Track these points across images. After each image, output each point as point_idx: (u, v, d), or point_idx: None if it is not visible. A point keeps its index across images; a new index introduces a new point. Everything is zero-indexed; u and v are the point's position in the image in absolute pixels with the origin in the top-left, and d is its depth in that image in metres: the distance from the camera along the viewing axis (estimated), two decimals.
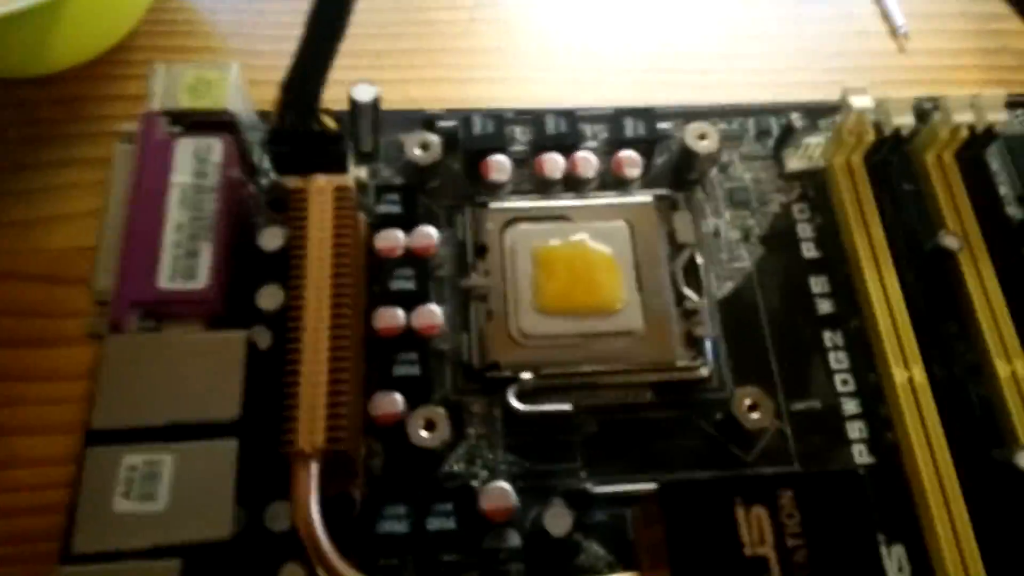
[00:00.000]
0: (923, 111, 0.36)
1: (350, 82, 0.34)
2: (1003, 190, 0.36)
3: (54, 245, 0.36)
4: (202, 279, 0.28)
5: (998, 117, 0.34)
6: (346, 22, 0.27)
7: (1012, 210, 0.35)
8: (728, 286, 0.34)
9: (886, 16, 0.44)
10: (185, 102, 0.30)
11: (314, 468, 0.26)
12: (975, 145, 0.35)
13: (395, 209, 0.33)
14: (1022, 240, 0.34)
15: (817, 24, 0.44)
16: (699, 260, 0.33)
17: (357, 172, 0.34)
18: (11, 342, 0.33)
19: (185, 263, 0.28)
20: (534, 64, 0.42)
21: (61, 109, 0.39)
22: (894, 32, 0.44)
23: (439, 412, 0.29)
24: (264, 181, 0.34)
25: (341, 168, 0.31)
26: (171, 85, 0.31)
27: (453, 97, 0.40)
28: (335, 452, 0.26)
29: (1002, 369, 0.31)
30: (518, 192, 0.35)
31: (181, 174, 0.29)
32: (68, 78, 0.39)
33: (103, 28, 0.38)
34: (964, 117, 0.34)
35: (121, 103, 0.39)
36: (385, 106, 0.35)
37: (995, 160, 0.37)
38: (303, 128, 0.29)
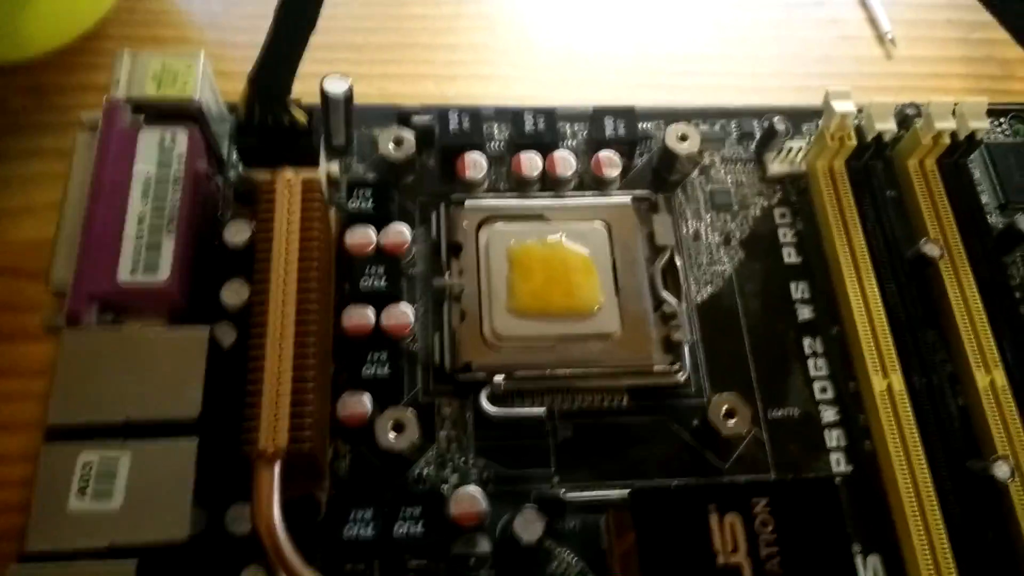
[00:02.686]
0: (906, 117, 0.36)
1: (326, 75, 0.33)
2: (985, 198, 0.36)
3: (19, 237, 0.35)
4: (164, 273, 0.27)
5: (980, 125, 0.34)
6: (316, 13, 0.26)
7: (993, 219, 0.35)
8: (707, 290, 0.33)
9: (873, 22, 0.44)
10: (150, 91, 0.29)
11: (276, 469, 0.25)
12: (957, 152, 0.35)
13: (367, 205, 0.32)
14: (1003, 249, 0.34)
15: (803, 28, 0.44)
16: (678, 263, 0.33)
17: (329, 167, 0.33)
18: None
19: (146, 256, 0.27)
20: (516, 62, 0.41)
21: (29, 98, 0.38)
22: (880, 38, 0.43)
23: (408, 414, 0.29)
24: (232, 174, 0.33)
25: (312, 162, 0.30)
26: (136, 73, 0.30)
27: (433, 93, 0.40)
28: (298, 453, 0.25)
29: (980, 379, 0.31)
30: (494, 190, 0.34)
31: (144, 164, 0.28)
32: (37, 66, 0.38)
33: (73, 16, 0.37)
34: (946, 124, 0.34)
35: (91, 93, 0.38)
36: (362, 101, 0.34)
37: (977, 168, 0.36)
38: (271, 121, 0.29)
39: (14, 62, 0.37)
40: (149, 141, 0.29)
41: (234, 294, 0.29)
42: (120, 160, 0.28)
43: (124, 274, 0.27)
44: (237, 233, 0.29)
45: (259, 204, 0.28)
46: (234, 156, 0.33)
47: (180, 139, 0.29)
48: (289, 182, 0.28)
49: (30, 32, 0.35)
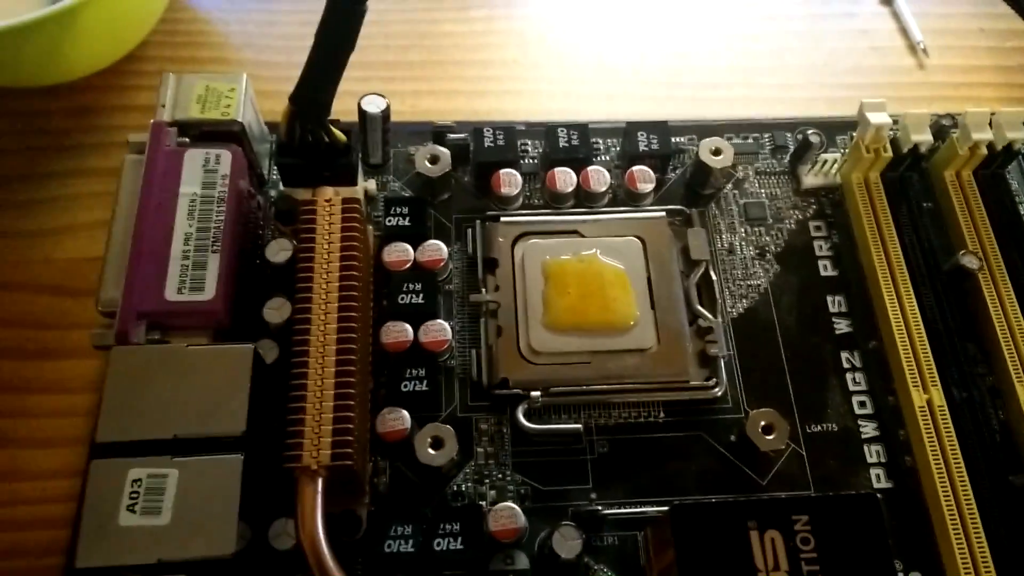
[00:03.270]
0: (941, 128, 0.35)
1: (361, 93, 0.33)
2: (1023, 209, 0.35)
3: (62, 256, 0.35)
4: (209, 291, 0.28)
5: (1017, 135, 0.34)
6: (356, 34, 0.27)
7: None
8: (743, 304, 0.33)
9: (904, 32, 0.44)
10: (194, 113, 0.30)
11: (319, 485, 0.25)
12: (994, 163, 0.35)
13: (404, 222, 0.32)
14: None
15: (833, 40, 0.43)
16: (713, 277, 0.33)
17: (366, 184, 0.33)
18: (17, 353, 0.33)
19: (192, 275, 0.28)
20: (548, 78, 0.42)
21: (72, 119, 0.39)
22: (912, 48, 0.43)
23: (447, 430, 0.29)
24: (273, 193, 0.34)
25: (350, 180, 0.31)
26: (181, 95, 0.30)
27: (465, 109, 0.40)
28: (341, 469, 0.25)
29: (1022, 393, 0.31)
30: (529, 206, 0.35)
31: (189, 185, 0.29)
32: (79, 88, 0.39)
33: (115, 38, 0.38)
34: (983, 135, 0.34)
35: (132, 113, 0.39)
36: (396, 118, 0.35)
37: (1015, 179, 0.36)
38: (312, 140, 0.29)
39: (56, 84, 0.38)
40: (194, 162, 0.29)
41: (275, 312, 0.29)
42: (166, 181, 0.29)
43: (171, 293, 0.27)
44: (278, 251, 0.30)
45: (300, 222, 0.29)
46: (275, 175, 0.33)
47: (223, 159, 0.29)
48: (329, 201, 0.28)
49: (75, 56, 0.36)
